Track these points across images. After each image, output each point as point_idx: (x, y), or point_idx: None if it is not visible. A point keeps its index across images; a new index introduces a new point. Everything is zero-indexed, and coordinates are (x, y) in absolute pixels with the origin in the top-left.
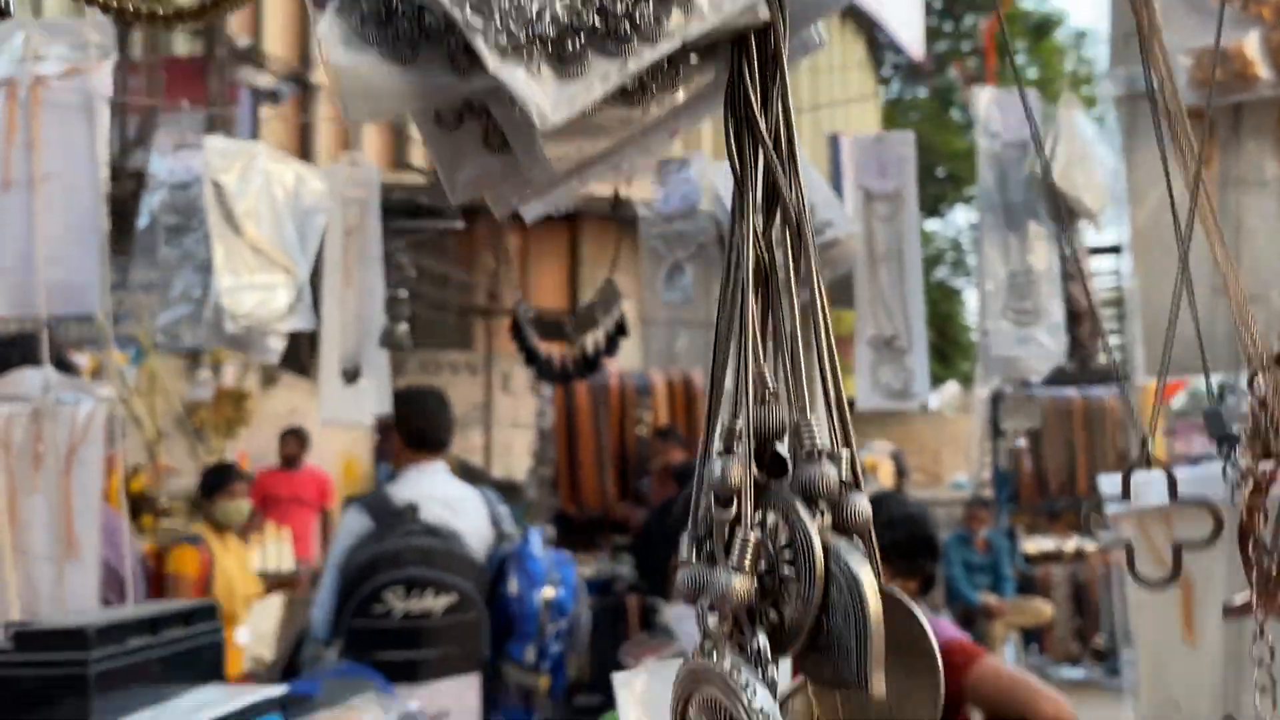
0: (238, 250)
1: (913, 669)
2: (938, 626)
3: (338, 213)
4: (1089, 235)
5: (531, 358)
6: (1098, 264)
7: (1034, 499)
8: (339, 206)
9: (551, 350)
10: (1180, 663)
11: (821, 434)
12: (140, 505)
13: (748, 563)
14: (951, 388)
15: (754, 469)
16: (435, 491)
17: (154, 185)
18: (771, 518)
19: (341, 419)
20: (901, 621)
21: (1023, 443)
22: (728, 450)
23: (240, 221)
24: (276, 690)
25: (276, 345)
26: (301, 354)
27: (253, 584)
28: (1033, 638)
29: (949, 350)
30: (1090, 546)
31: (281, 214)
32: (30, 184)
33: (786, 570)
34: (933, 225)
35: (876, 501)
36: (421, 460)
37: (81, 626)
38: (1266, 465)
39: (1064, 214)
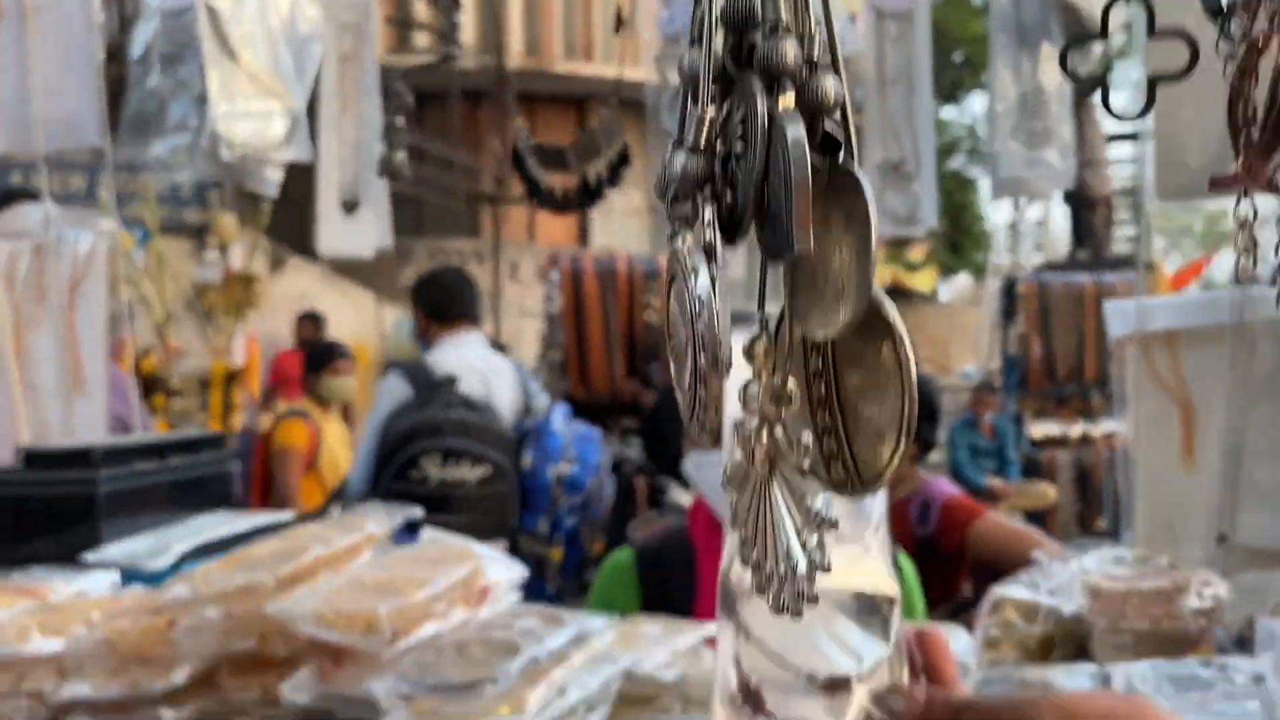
0: (233, 77)
1: (859, 244)
2: (939, 486)
3: (333, 39)
4: (1108, 124)
5: (533, 188)
6: (1115, 151)
7: (1042, 385)
8: (334, 33)
9: (553, 180)
10: (1177, 487)
11: (789, 11)
12: (152, 386)
13: (701, 141)
14: (963, 279)
15: (725, 60)
16: (472, 362)
17: (147, 14)
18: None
19: (341, 251)
20: (848, 196)
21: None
22: (700, 40)
23: (235, 48)
24: (284, 515)
25: (274, 176)
26: (309, 236)
27: (347, 460)
28: (1036, 520)
29: (962, 240)
30: (1096, 431)
31: (277, 41)
32: (21, 16)
33: (739, 147)
34: (949, 113)
35: None
36: (457, 331)
37: (89, 447)
38: (1261, 26)
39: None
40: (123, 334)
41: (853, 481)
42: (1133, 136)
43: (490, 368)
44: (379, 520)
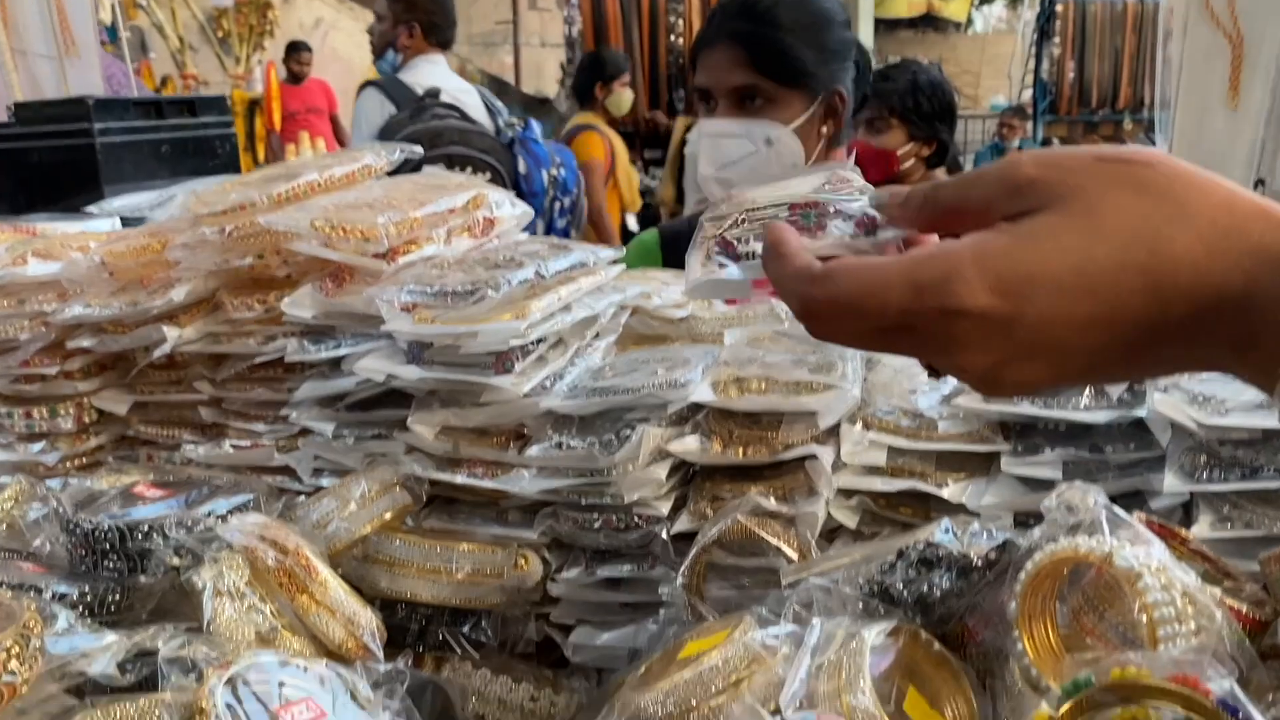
0: None
1: None
2: None
3: None
4: None
5: None
6: None
7: (1073, 110)
8: None
9: None
10: (1219, 127)
11: None
12: None
13: None
14: (997, 9)
15: None
16: (442, 83)
17: None
18: None
19: None
20: None
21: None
22: None
23: None
24: None
25: None
26: None
27: (635, 173)
28: None
29: None
30: None
31: None
32: None
33: None
34: None
35: (900, 67)
36: (432, 53)
37: (81, 98)
38: None
39: None
40: (145, 60)
41: None
42: None
43: (460, 87)
44: (376, 153)
